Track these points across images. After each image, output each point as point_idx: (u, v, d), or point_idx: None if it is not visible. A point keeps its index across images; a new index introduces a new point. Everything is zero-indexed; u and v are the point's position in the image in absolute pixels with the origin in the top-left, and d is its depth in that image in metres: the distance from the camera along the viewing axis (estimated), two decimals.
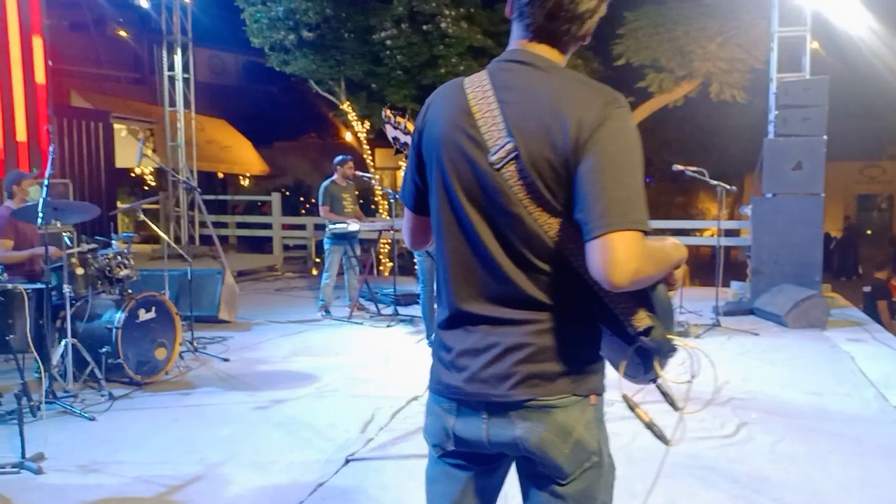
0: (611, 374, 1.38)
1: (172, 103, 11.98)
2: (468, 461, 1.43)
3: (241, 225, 13.69)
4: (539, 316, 1.31)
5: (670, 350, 1.29)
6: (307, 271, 11.56)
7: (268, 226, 12.87)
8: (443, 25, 11.87)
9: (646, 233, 1.19)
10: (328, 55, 11.99)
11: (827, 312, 6.61)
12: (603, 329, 1.35)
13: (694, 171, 6.86)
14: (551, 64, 1.33)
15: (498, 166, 1.27)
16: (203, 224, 12.00)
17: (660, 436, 1.38)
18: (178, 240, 11.54)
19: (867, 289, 9.47)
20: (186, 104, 12.07)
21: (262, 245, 13.40)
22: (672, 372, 1.36)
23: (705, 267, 14.50)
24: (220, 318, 6.69)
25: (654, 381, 1.33)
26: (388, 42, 11.89)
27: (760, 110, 8.98)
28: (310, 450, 3.54)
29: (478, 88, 1.33)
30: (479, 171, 1.30)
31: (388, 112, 3.28)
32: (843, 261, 21.67)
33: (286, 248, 13.15)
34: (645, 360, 1.30)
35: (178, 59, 11.85)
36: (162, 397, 4.50)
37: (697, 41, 11.89)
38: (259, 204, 17.69)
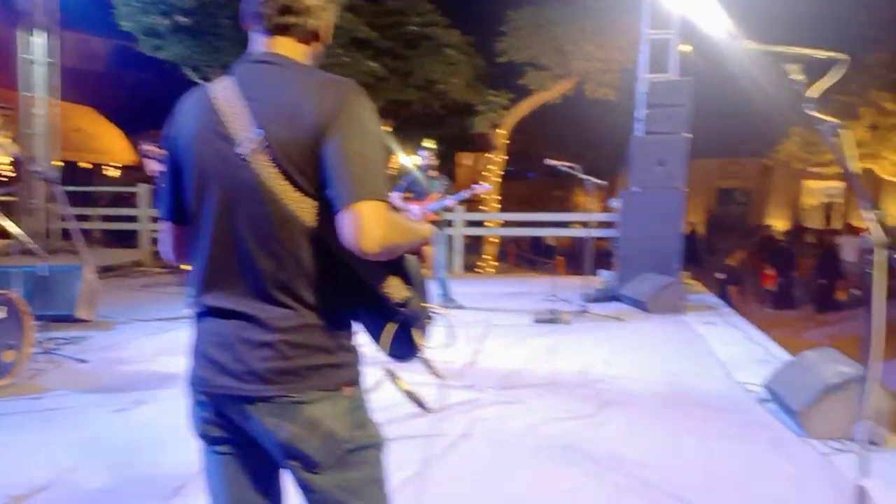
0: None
1: (31, 88, 11.09)
2: (235, 447, 1.46)
3: (105, 218, 12.85)
4: (294, 312, 1.36)
5: (428, 318, 1.40)
6: (176, 266, 11.02)
7: (134, 218, 12.16)
8: None
9: (391, 207, 1.29)
10: (204, 41, 11.50)
11: (685, 298, 7.07)
12: (364, 312, 1.42)
13: (566, 166, 7.12)
14: (292, 61, 1.42)
15: (249, 158, 1.33)
16: (64, 217, 11.21)
17: (421, 404, 1.49)
18: (36, 234, 10.69)
19: (720, 275, 10.21)
20: (50, 90, 11.21)
21: (129, 239, 12.68)
22: (435, 347, 1.47)
23: (578, 257, 15.14)
24: (79, 317, 6.25)
25: (419, 354, 1.42)
26: None
27: (632, 109, 9.43)
28: (171, 451, 3.38)
29: (223, 90, 1.40)
30: (232, 166, 1.35)
31: (148, 147, 3.15)
32: (705, 250, 23.14)
33: (154, 242, 12.49)
34: (406, 331, 1.39)
35: (37, 41, 10.96)
36: (9, 403, 4.15)
37: (575, 41, 12.36)
38: (126, 195, 16.72)
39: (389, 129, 15.88)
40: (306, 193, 1.33)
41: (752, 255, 18.82)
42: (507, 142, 16.15)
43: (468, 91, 14.74)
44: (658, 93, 7.76)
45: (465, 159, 22.44)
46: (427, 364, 1.44)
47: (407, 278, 1.39)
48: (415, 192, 7.10)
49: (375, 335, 1.43)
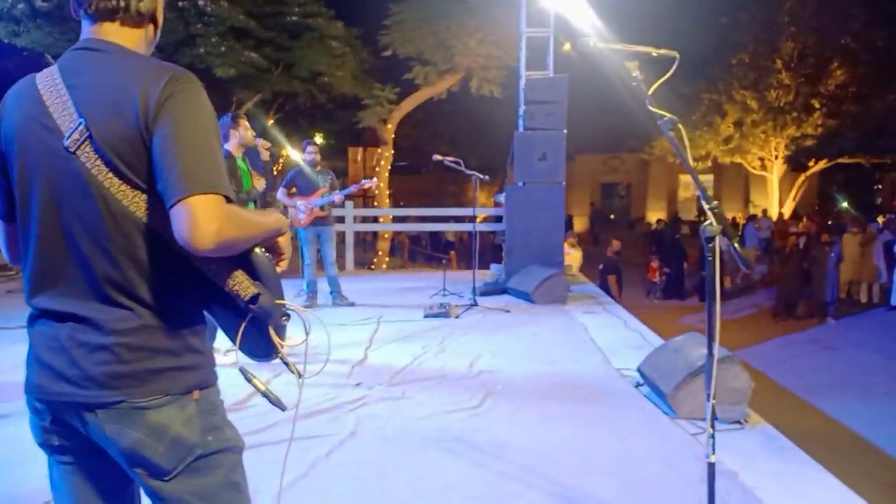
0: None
1: None
2: (78, 457, 1.40)
3: None
4: (131, 313, 1.30)
5: (282, 315, 1.36)
6: None
7: None
8: (201, 3, 11.22)
9: (227, 199, 1.24)
10: (67, 27, 10.77)
11: (567, 289, 7.36)
12: (218, 309, 1.37)
13: (451, 162, 7.23)
14: (118, 46, 1.36)
15: (73, 149, 1.26)
16: None
17: (276, 403, 1.43)
18: None
19: (601, 266, 10.72)
20: None
21: None
22: (291, 341, 1.43)
23: (471, 251, 15.44)
24: None
25: (276, 355, 1.38)
26: None
27: (516, 105, 9.68)
28: (37, 465, 3.16)
29: (48, 79, 1.34)
30: (58, 158, 1.28)
31: None
32: (590, 242, 24.14)
33: None
34: (260, 329, 1.35)
35: None
36: None
37: (458, 37, 12.54)
38: None
39: (273, 122, 15.50)
40: (137, 187, 1.26)
41: (635, 246, 19.87)
42: (395, 137, 16.16)
43: (355, 84, 14.65)
44: (536, 90, 8.00)
45: (356, 154, 22.28)
46: (286, 362, 1.42)
47: (255, 274, 1.33)
48: (300, 186, 6.97)
49: (231, 334, 1.38)
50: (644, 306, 13.87)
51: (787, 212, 23.99)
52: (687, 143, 1.98)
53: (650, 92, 2.04)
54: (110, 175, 1.26)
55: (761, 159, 24.23)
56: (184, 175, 1.20)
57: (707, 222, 1.89)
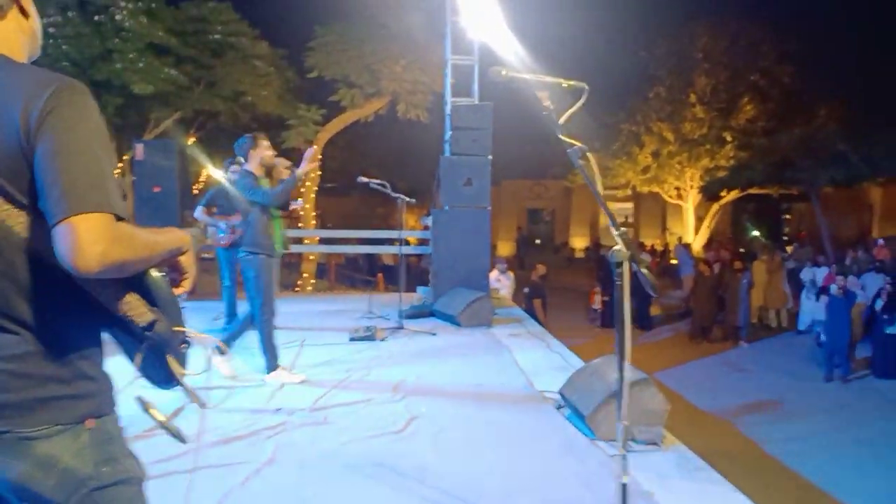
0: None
1: None
2: None
3: None
4: (16, 338, 1.22)
5: (181, 342, 1.31)
6: None
7: None
8: (118, 17, 10.91)
9: (119, 217, 1.18)
10: None
11: (492, 311, 7.45)
12: (118, 333, 1.32)
13: (377, 184, 7.23)
14: (1, 52, 1.28)
15: None
16: None
17: (176, 435, 1.39)
18: None
19: (526, 290, 10.91)
20: None
21: None
22: (194, 368, 1.38)
23: (398, 274, 15.43)
24: None
25: (178, 383, 1.34)
26: (51, 30, 10.56)
27: (443, 130, 9.78)
28: None
29: None
30: None
31: None
32: (516, 265, 24.48)
33: None
34: (159, 356, 1.30)
35: None
36: None
37: (384, 61, 12.64)
38: None
39: (194, 140, 15.14)
40: (18, 205, 1.19)
41: (560, 270, 20.24)
42: (322, 158, 16.06)
43: (279, 104, 14.52)
44: (462, 116, 8.13)
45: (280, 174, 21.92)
46: (187, 391, 1.37)
47: (151, 298, 1.27)
48: (221, 205, 6.82)
49: (132, 358, 1.32)
50: (573, 329, 14.17)
51: (702, 239, 25.10)
52: (597, 171, 2.06)
53: (561, 121, 2.11)
54: None
55: (677, 189, 25.33)
56: (66, 193, 1.13)
57: (616, 247, 1.96)
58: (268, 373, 4.93)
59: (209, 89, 13.68)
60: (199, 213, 6.86)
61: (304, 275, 15.90)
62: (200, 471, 3.18)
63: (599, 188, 2.04)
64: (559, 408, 4.45)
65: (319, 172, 16.10)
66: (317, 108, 14.24)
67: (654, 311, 15.57)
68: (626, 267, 1.92)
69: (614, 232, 1.96)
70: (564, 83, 2.15)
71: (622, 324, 2.01)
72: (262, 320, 4.88)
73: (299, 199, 7.69)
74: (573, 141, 2.03)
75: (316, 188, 16.24)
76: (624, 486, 2.15)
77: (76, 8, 10.69)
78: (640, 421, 3.80)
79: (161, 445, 3.37)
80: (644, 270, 1.90)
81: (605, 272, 15.16)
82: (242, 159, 6.77)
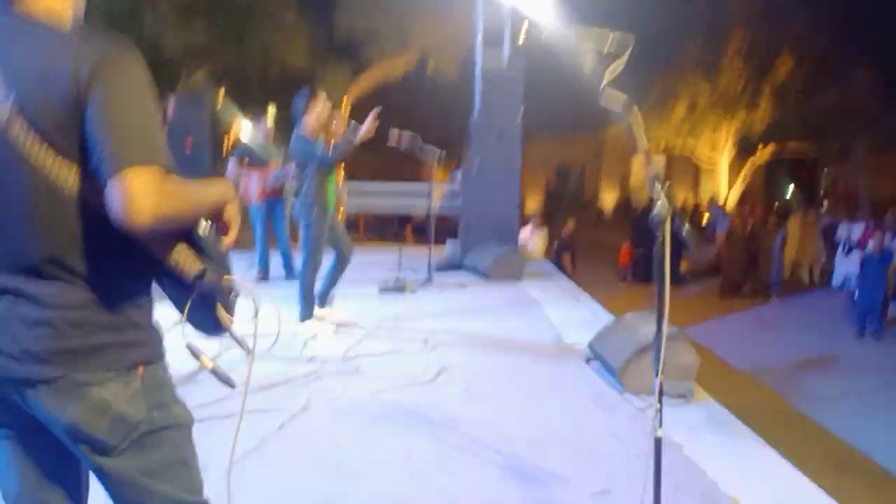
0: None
1: None
2: (21, 433, 1.36)
3: None
4: (72, 287, 1.26)
5: (230, 292, 1.33)
6: None
7: None
8: None
9: (168, 171, 1.20)
10: None
11: (523, 266, 7.44)
12: (167, 282, 1.33)
13: (409, 137, 7.16)
14: (47, 11, 1.28)
15: (4, 124, 1.20)
16: None
17: (226, 381, 1.41)
18: None
19: (556, 245, 10.86)
20: None
21: None
22: (242, 317, 1.40)
23: (427, 227, 15.41)
24: None
25: (226, 331, 1.36)
26: None
27: (473, 86, 9.63)
28: None
29: None
30: None
31: None
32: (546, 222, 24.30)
33: None
34: (208, 305, 1.32)
35: None
36: None
37: (414, 16, 12.41)
38: None
39: (223, 94, 15.14)
40: (73, 160, 1.21)
41: (589, 227, 20.05)
42: (351, 114, 15.99)
43: (308, 60, 14.39)
44: (493, 72, 7.99)
45: None
46: (236, 338, 1.39)
47: (200, 249, 1.29)
48: (252, 158, 6.84)
49: (179, 307, 1.34)
50: (602, 284, 14.11)
51: (735, 197, 24.61)
52: (642, 124, 2.00)
53: (607, 77, 2.04)
54: (44, 149, 1.20)
55: (711, 146, 24.75)
56: (118, 148, 1.16)
57: (659, 203, 1.92)
58: (301, 321, 5.02)
59: (239, 45, 13.62)
60: (231, 166, 6.90)
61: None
62: (236, 417, 3.25)
63: (644, 142, 1.98)
64: (588, 361, 4.45)
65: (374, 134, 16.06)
66: (347, 63, 14.10)
67: (685, 266, 15.37)
68: (667, 223, 1.88)
69: (657, 187, 1.91)
70: (609, 35, 2.07)
71: (662, 279, 1.98)
72: (305, 270, 4.96)
73: None
74: (618, 94, 1.97)
75: None
76: (658, 440, 2.14)
77: None
78: (671, 375, 3.77)
79: (198, 392, 3.47)
80: (686, 226, 1.85)
81: (637, 227, 14.97)
82: (264, 121, 6.75)
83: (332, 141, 5.03)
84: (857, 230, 13.46)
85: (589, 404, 3.74)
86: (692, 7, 22.94)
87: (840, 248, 13.82)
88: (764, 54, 22.30)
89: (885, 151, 24.26)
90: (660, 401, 2.21)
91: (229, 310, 1.34)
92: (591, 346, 4.46)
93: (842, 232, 14.13)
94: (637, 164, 33.44)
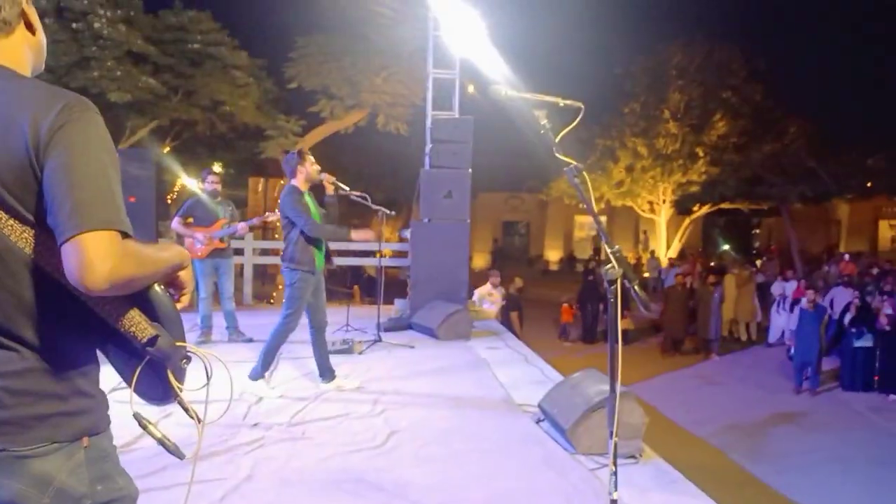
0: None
1: None
2: None
3: None
4: (15, 354, 1.21)
5: (182, 359, 1.30)
6: None
7: None
8: (96, 25, 10.76)
9: (126, 234, 1.18)
10: None
11: (471, 325, 7.44)
12: (113, 349, 1.31)
13: (357, 196, 7.18)
14: (5, 70, 1.27)
15: None
16: None
17: (174, 451, 1.37)
18: None
19: (503, 302, 10.92)
20: None
21: None
22: (192, 383, 1.37)
23: (375, 286, 15.37)
24: None
25: (175, 398, 1.32)
26: None
27: (422, 143, 9.83)
28: None
29: None
30: None
31: None
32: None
33: None
34: (158, 372, 1.29)
35: None
36: None
37: (365, 73, 12.63)
38: None
39: (169, 150, 14.98)
40: (25, 222, 1.18)
41: (534, 283, 20.27)
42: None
43: (258, 115, 14.42)
44: (442, 129, 8.15)
45: (257, 185, 21.84)
46: (185, 407, 1.35)
47: (153, 313, 1.27)
48: (198, 216, 6.74)
49: (126, 376, 1.30)
50: (550, 342, 14.20)
51: (674, 252, 25.39)
52: (591, 189, 2.06)
53: (557, 139, 2.12)
54: (1, 211, 1.17)
55: (650, 203, 25.63)
56: (76, 210, 1.13)
57: (609, 266, 1.97)
58: (253, 379, 4.92)
59: (187, 98, 13.56)
60: (175, 223, 6.76)
61: (280, 286, 15.75)
62: (176, 488, 3.11)
63: (594, 205, 2.04)
64: (539, 421, 4.44)
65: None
66: (296, 119, 14.17)
67: (625, 324, 15.61)
68: (619, 284, 1.93)
69: (608, 250, 1.96)
70: (561, 102, 2.16)
71: (615, 339, 2.01)
72: (279, 329, 4.94)
73: (277, 210, 7.62)
74: (569, 159, 2.04)
75: None
76: (614, 502, 2.14)
77: (53, 14, 10.53)
78: (621, 434, 3.80)
79: (136, 461, 3.31)
80: (637, 288, 1.90)
81: (585, 287, 15.21)
82: (212, 179, 6.82)
83: (326, 211, 5.18)
84: (791, 288, 14.03)
85: (541, 466, 3.72)
86: (632, 71, 24.08)
87: (775, 306, 14.36)
88: (699, 112, 23.40)
89: (819, 203, 25.55)
90: (615, 463, 2.21)
91: (180, 377, 1.31)
92: (541, 405, 4.46)
93: (776, 289, 14.72)
94: (580, 221, 34.38)
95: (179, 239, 6.71)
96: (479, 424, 4.43)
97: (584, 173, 2.04)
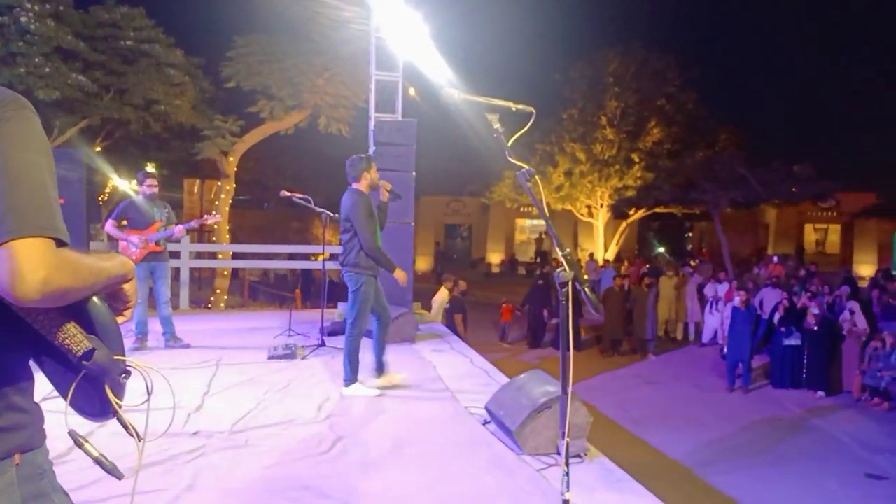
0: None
1: None
2: None
3: None
4: None
5: (121, 373, 1.24)
6: None
7: None
8: (23, 20, 10.28)
9: (62, 242, 1.13)
10: None
11: (416, 328, 7.41)
12: (48, 363, 1.24)
13: (300, 198, 7.09)
14: None
15: None
16: None
17: (111, 470, 1.31)
18: None
19: (447, 306, 10.95)
20: None
21: None
22: (131, 398, 1.32)
23: (316, 290, 15.18)
24: None
25: (113, 414, 1.27)
26: None
27: (364, 145, 9.76)
28: None
29: None
30: None
31: None
32: (434, 281, 24.51)
33: None
34: (95, 387, 1.23)
35: None
36: None
37: (306, 74, 12.47)
38: None
39: (100, 150, 14.46)
40: None
41: (477, 285, 20.39)
42: (237, 170, 15.65)
43: (194, 114, 14.06)
44: (385, 131, 8.09)
45: (193, 186, 21.29)
46: (124, 424, 1.28)
47: (91, 326, 1.20)
48: (133, 219, 6.51)
49: (62, 390, 1.23)
50: (493, 344, 14.29)
51: (611, 255, 25.98)
52: (542, 192, 2.08)
53: (510, 143, 2.13)
54: None
55: (588, 206, 26.16)
56: (8, 215, 1.06)
57: (560, 268, 1.98)
58: (346, 386, 5.06)
59: (119, 97, 13.10)
60: (109, 226, 6.51)
61: (217, 291, 15.37)
62: (114, 500, 2.99)
63: (545, 209, 2.05)
64: (485, 423, 4.45)
65: (234, 185, 15.68)
66: (234, 120, 13.87)
67: (584, 332, 15.70)
68: (570, 287, 1.94)
69: (560, 253, 1.97)
70: (514, 107, 2.17)
71: (566, 342, 2.02)
72: (350, 335, 5.07)
73: (216, 213, 7.44)
74: (521, 163, 2.05)
75: (230, 201, 15.78)
76: (566, 502, 2.16)
77: None
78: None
79: (69, 473, 3.16)
80: (587, 290, 1.92)
81: (534, 290, 15.29)
82: (149, 182, 6.62)
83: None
84: (723, 289, 14.53)
85: (488, 467, 3.72)
86: (570, 77, 24.53)
87: (708, 306, 14.83)
88: (635, 119, 24.04)
89: (749, 208, 26.51)
90: (567, 463, 2.23)
91: (118, 393, 1.24)
92: (487, 407, 4.47)
93: (709, 291, 15.22)
94: (521, 224, 34.79)
95: (113, 242, 6.47)
96: (426, 428, 4.41)
97: (537, 177, 2.05)
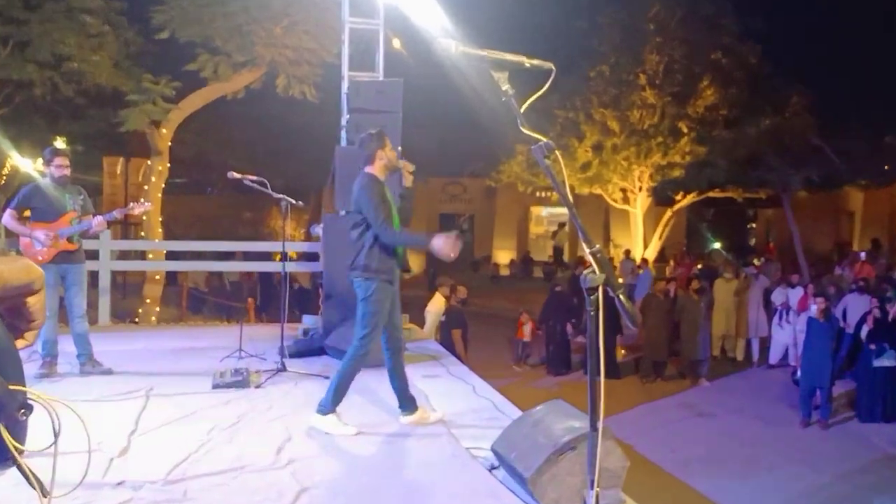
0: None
1: None
2: None
3: None
4: None
5: (20, 408, 1.24)
6: None
7: None
8: None
9: None
10: None
11: (404, 347, 7.42)
12: None
13: (253, 181, 7.10)
14: None
15: None
16: None
17: None
18: None
19: (442, 318, 10.98)
20: None
21: None
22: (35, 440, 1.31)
23: (275, 299, 15.17)
24: None
25: (12, 462, 1.27)
26: None
27: (336, 112, 9.77)
28: None
29: None
30: None
31: None
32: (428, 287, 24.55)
33: None
34: None
35: None
36: None
37: (260, 22, 12.45)
38: None
39: None
40: None
41: (480, 292, 20.42)
42: (173, 145, 15.63)
43: (116, 74, 14.03)
44: (363, 95, 8.04)
45: (115, 166, 21.27)
46: (25, 474, 1.27)
47: None
48: (38, 209, 6.52)
49: None
50: (501, 366, 14.31)
51: (652, 253, 25.98)
52: (565, 172, 2.08)
53: (522, 109, 2.12)
54: None
55: (623, 190, 26.12)
56: None
57: (588, 270, 1.98)
58: (319, 413, 5.11)
59: (19, 52, 13.08)
60: (7, 218, 6.52)
61: (147, 301, 15.35)
62: None
63: (568, 194, 2.05)
64: (492, 469, 4.47)
65: (168, 165, 15.69)
66: (168, 81, 13.86)
67: (621, 353, 15.71)
68: (600, 294, 1.94)
69: (587, 250, 1.97)
70: (527, 62, 2.17)
71: (595, 364, 2.02)
72: (354, 354, 5.15)
73: (145, 201, 7.45)
74: (537, 135, 2.05)
75: (163, 185, 15.76)
76: None
77: None
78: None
79: None
80: (622, 298, 1.92)
81: (552, 300, 15.29)
82: (59, 162, 6.59)
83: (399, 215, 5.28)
84: (795, 296, 14.48)
85: None
86: (598, 25, 24.43)
87: (776, 318, 14.77)
88: (682, 78, 23.87)
89: (828, 191, 26.35)
90: None
91: (18, 434, 1.23)
92: (494, 449, 4.48)
93: (777, 297, 15.12)
94: (537, 213, 34.79)
95: (12, 239, 6.48)
96: (416, 476, 4.43)
97: (557, 152, 2.05)
